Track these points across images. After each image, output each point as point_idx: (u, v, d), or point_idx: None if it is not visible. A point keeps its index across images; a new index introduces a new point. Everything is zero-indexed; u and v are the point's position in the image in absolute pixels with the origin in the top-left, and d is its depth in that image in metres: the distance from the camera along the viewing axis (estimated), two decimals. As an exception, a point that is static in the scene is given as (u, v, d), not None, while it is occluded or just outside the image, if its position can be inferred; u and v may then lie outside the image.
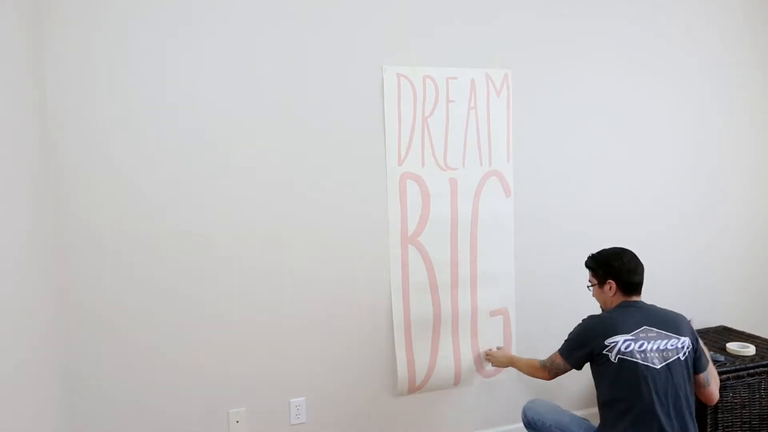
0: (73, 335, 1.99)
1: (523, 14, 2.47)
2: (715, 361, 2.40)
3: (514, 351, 2.55)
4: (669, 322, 1.92)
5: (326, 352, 2.30)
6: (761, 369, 2.41)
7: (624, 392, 1.84)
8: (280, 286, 2.22)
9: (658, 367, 1.84)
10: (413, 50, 2.32)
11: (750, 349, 2.50)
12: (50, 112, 1.92)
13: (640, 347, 1.85)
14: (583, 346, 1.94)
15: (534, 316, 2.55)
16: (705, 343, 2.63)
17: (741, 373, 2.37)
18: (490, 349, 2.49)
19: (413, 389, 2.41)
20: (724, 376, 2.34)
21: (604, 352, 1.87)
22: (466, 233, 2.42)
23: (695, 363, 1.93)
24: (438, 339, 2.42)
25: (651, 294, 2.74)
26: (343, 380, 2.33)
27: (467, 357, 2.47)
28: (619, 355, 1.84)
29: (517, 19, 2.47)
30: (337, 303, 2.30)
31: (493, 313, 2.49)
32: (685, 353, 1.90)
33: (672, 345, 1.88)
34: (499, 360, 2.41)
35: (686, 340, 1.90)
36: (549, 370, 2.05)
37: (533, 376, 2.15)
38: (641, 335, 1.87)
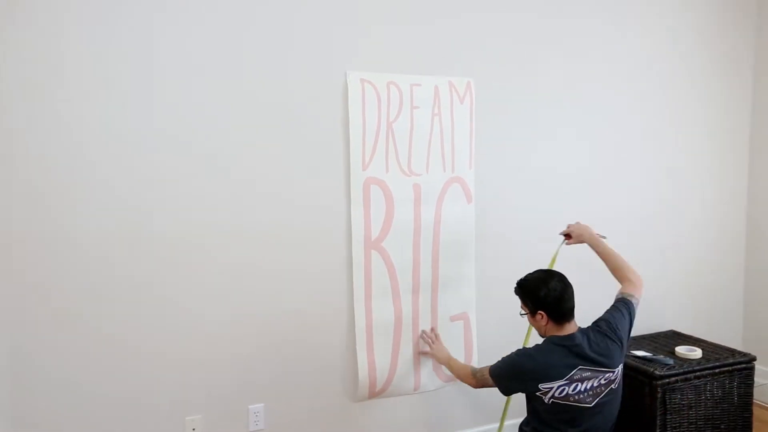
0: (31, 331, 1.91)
1: (486, 23, 2.51)
2: (664, 365, 2.49)
3: (475, 355, 2.58)
4: (602, 354, 1.91)
5: (286, 357, 2.28)
6: (707, 371, 2.51)
7: (555, 427, 1.89)
8: (240, 290, 2.19)
9: (591, 405, 1.88)
10: (377, 57, 2.32)
11: (697, 353, 2.60)
12: (24, 112, 1.86)
13: (574, 390, 1.85)
14: (515, 381, 1.95)
15: (494, 322, 2.59)
16: (655, 347, 2.73)
17: (688, 375, 2.47)
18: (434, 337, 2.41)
19: (373, 394, 2.41)
20: (673, 378, 2.44)
21: (537, 394, 1.87)
22: (428, 238, 2.44)
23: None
24: (399, 344, 2.43)
25: (609, 300, 2.84)
26: (302, 386, 2.31)
27: (427, 362, 2.49)
28: (553, 399, 1.86)
29: (480, 28, 2.51)
30: (298, 308, 2.28)
31: (453, 318, 2.52)
32: (617, 382, 1.94)
33: (606, 379, 1.90)
34: (440, 356, 2.35)
35: (618, 370, 1.93)
36: (478, 381, 2.07)
37: (462, 380, 2.19)
38: (575, 377, 1.86)
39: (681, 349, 2.63)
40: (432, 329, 2.45)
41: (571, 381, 1.86)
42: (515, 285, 2.04)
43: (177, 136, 2.06)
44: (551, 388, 1.85)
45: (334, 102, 2.27)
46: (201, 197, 2.11)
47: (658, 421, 2.42)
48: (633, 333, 2.91)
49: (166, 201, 2.06)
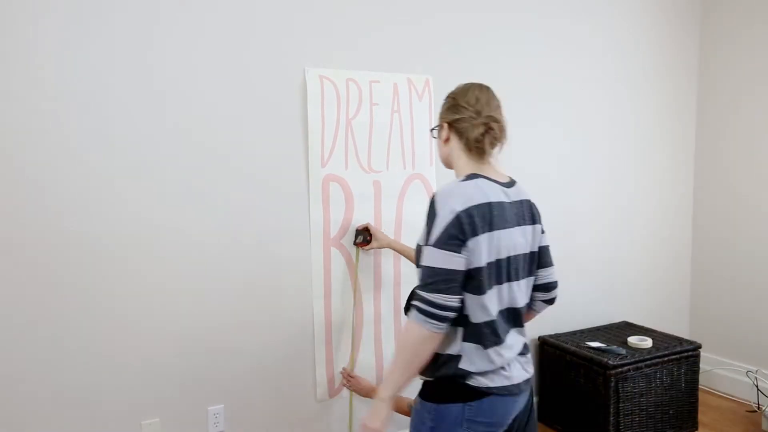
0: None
1: (446, 22, 2.53)
2: (617, 354, 2.57)
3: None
4: None
5: (246, 357, 2.24)
6: (657, 360, 2.62)
7: None
8: (197, 290, 2.14)
9: None
10: (336, 54, 2.30)
11: (647, 342, 2.70)
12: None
13: None
14: None
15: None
16: (608, 338, 2.83)
17: (639, 364, 2.56)
18: (351, 374, 2.31)
19: (333, 393, 2.40)
20: (626, 368, 2.53)
21: None
22: (390, 236, 2.44)
23: None
24: (359, 341, 2.43)
25: (568, 294, 2.93)
26: (263, 386, 2.28)
27: (390, 359, 2.50)
28: None
29: (440, 26, 2.52)
30: (257, 307, 2.24)
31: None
32: None
33: None
34: (363, 388, 2.27)
35: None
36: None
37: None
38: None
39: (633, 339, 2.73)
40: (344, 369, 2.34)
41: None
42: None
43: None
44: None
45: (293, 99, 2.24)
46: (159, 195, 2.05)
47: (611, 409, 2.51)
48: (588, 325, 3.05)
49: (123, 201, 2.00)
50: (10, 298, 1.87)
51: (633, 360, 2.55)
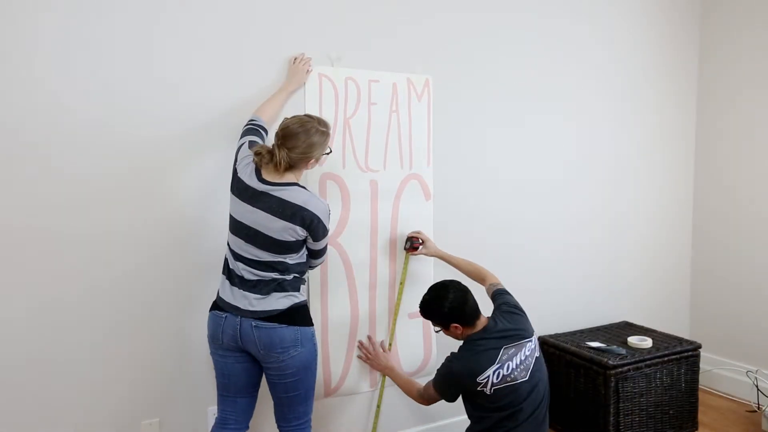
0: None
1: (445, 22, 2.53)
2: (617, 354, 2.57)
3: (434, 351, 2.60)
4: (516, 327, 2.04)
5: (245, 357, 2.24)
6: (657, 360, 2.61)
7: (503, 413, 1.96)
8: (196, 291, 2.14)
9: (527, 378, 1.98)
10: (336, 53, 2.30)
11: (648, 342, 2.70)
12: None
13: (508, 369, 1.96)
14: (455, 386, 2.03)
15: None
16: (609, 338, 2.83)
17: (639, 364, 2.56)
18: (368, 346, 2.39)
19: (329, 392, 2.39)
20: (626, 368, 2.52)
21: (478, 389, 1.96)
22: (386, 235, 2.45)
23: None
24: (354, 341, 2.42)
25: (568, 294, 2.94)
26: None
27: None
28: (494, 387, 1.95)
29: (441, 27, 2.52)
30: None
31: (411, 316, 2.52)
32: (538, 350, 2.06)
33: (529, 350, 2.02)
34: (380, 363, 2.36)
35: (534, 336, 2.06)
36: (425, 399, 2.13)
37: (409, 396, 2.22)
38: (504, 358, 1.97)
39: (633, 339, 2.72)
40: (370, 338, 2.43)
41: (502, 363, 1.96)
42: (419, 308, 2.09)
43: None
44: (488, 376, 1.94)
45: (292, 97, 2.24)
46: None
47: (611, 409, 2.50)
48: (588, 325, 3.05)
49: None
50: (8, 297, 1.88)
51: (633, 360, 2.54)
